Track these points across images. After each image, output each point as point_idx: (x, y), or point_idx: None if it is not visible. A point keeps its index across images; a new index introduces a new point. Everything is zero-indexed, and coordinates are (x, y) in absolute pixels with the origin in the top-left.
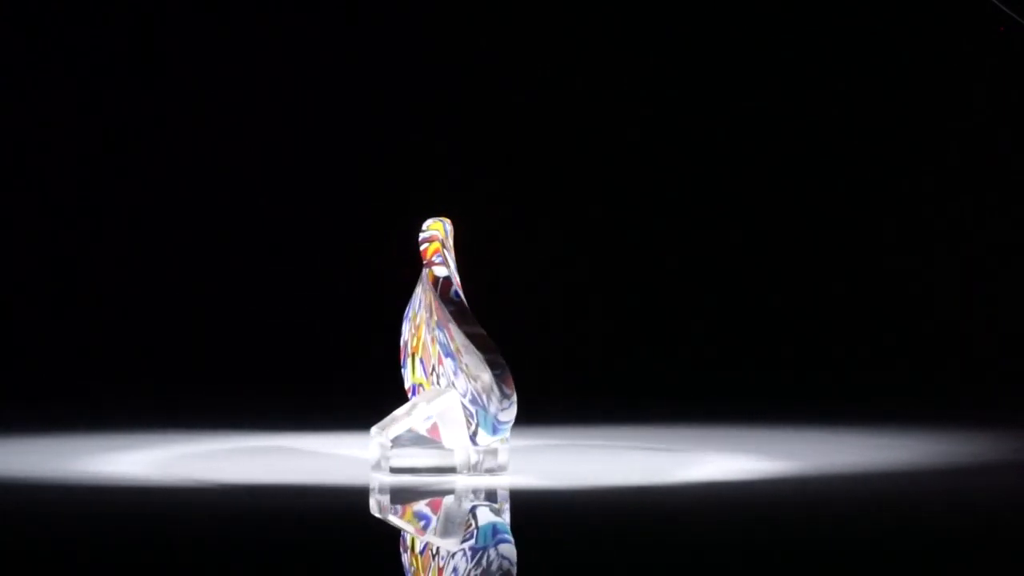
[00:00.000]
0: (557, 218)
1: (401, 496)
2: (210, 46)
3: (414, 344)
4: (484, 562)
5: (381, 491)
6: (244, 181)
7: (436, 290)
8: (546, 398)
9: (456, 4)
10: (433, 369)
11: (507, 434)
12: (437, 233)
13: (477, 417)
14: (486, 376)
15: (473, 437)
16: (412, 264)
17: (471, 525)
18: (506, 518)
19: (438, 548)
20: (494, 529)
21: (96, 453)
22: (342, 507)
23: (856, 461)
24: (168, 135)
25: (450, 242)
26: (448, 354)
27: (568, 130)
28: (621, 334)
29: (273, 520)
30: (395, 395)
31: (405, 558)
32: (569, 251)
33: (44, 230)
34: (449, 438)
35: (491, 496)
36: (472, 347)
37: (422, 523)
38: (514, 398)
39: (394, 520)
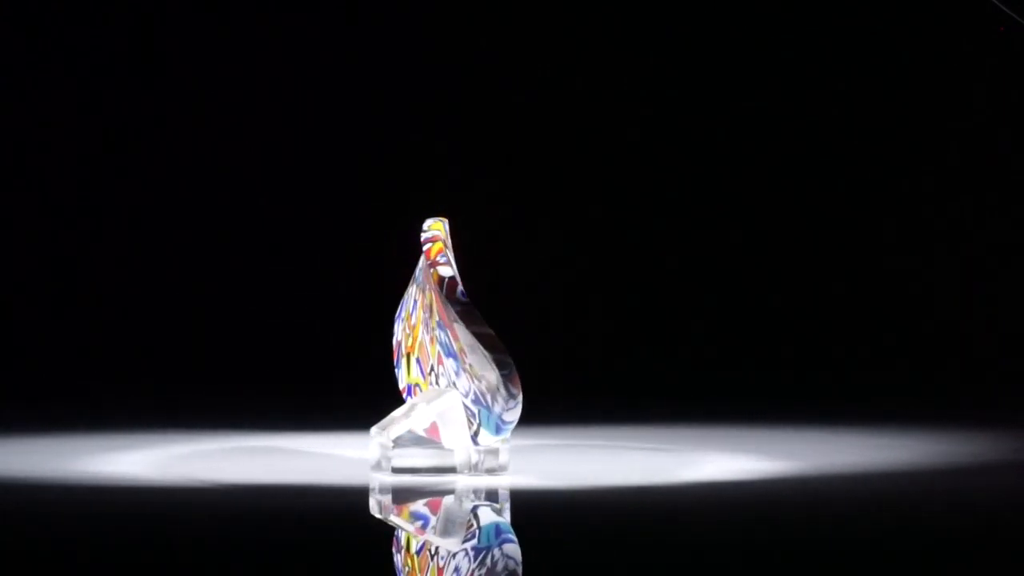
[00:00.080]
0: (557, 218)
1: (402, 496)
2: (210, 46)
3: (409, 344)
4: (489, 562)
5: (381, 491)
6: (244, 181)
7: (442, 290)
8: (546, 398)
9: (456, 4)
10: (432, 369)
11: (508, 434)
12: (439, 233)
13: (479, 417)
14: (492, 376)
15: (475, 437)
16: (412, 264)
17: (472, 525)
18: (506, 518)
19: (437, 548)
20: (497, 529)
21: (96, 453)
22: (342, 507)
23: (856, 461)
24: (168, 135)
25: (449, 242)
26: (450, 354)
27: (568, 130)
28: (621, 334)
29: (273, 520)
30: (395, 395)
31: (406, 558)
32: (569, 251)
33: (44, 230)
34: (449, 438)
35: (492, 496)
36: (479, 347)
37: (423, 523)
38: (520, 398)
39: (395, 520)
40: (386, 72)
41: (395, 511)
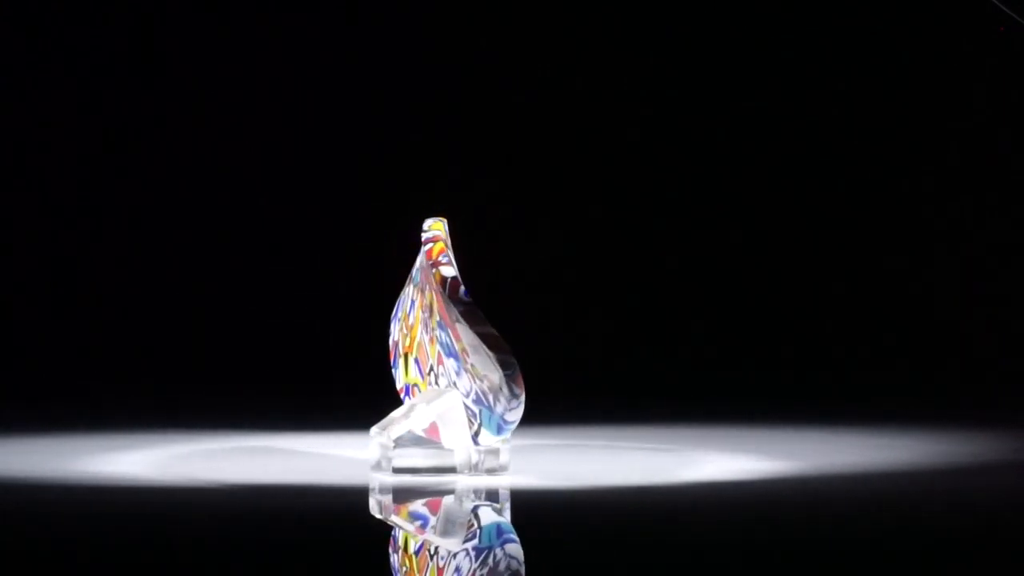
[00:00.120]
0: (557, 218)
1: (402, 496)
2: (210, 46)
3: (407, 344)
4: (491, 562)
5: (382, 491)
6: (244, 181)
7: (445, 290)
8: (546, 398)
9: (456, 4)
10: (431, 369)
11: (509, 434)
12: (440, 233)
13: (480, 417)
14: (495, 376)
15: (475, 437)
16: (412, 264)
17: (472, 525)
18: (506, 518)
19: (436, 548)
20: (499, 529)
21: (96, 453)
22: (342, 507)
23: (856, 461)
24: (168, 135)
25: (448, 241)
26: (451, 354)
27: (568, 130)
28: (621, 334)
29: (273, 520)
30: (394, 395)
31: (403, 559)
32: (569, 251)
33: (44, 230)
34: (449, 438)
35: (492, 496)
36: (482, 347)
37: (423, 523)
38: (523, 398)
39: (396, 520)
40: (386, 72)
41: (395, 511)
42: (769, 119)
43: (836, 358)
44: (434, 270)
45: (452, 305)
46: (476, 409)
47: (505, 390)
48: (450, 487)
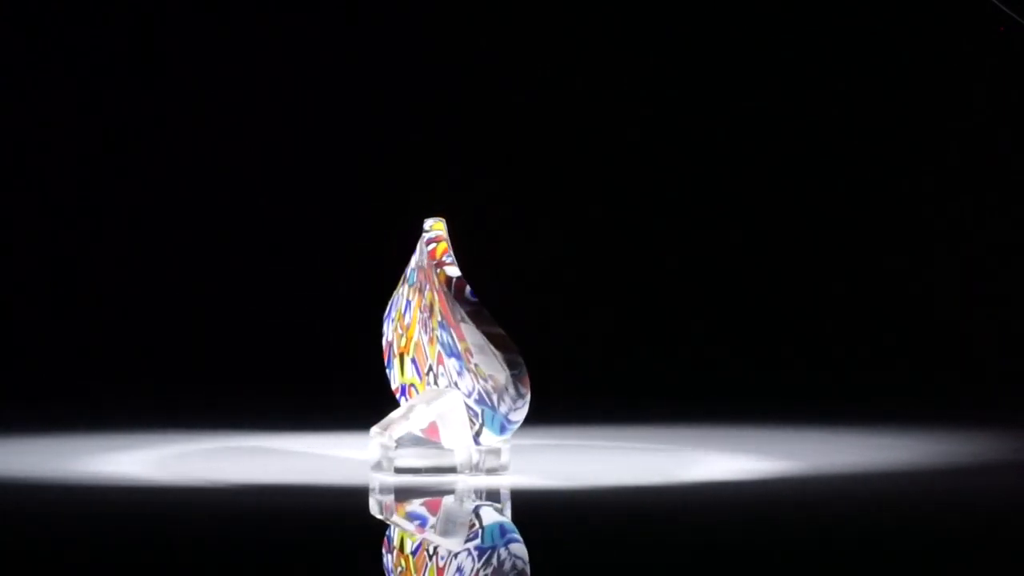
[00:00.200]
0: (557, 218)
1: (403, 496)
2: (210, 46)
3: (403, 344)
4: (496, 562)
5: (382, 491)
6: (244, 181)
7: (450, 290)
8: (546, 398)
9: (456, 4)
10: (430, 369)
11: (510, 434)
12: (442, 233)
13: (483, 417)
14: (501, 376)
15: (476, 437)
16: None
17: (474, 525)
18: (507, 518)
19: (435, 548)
20: (502, 529)
21: (96, 453)
22: (342, 507)
23: (856, 461)
24: (168, 135)
25: (448, 241)
26: (452, 354)
27: (568, 130)
28: (621, 334)
29: (273, 520)
30: (393, 396)
31: (399, 559)
32: (569, 251)
33: (44, 230)
34: (449, 438)
35: (492, 496)
36: (488, 347)
37: (423, 523)
38: (528, 398)
39: (396, 520)
40: (386, 72)
41: (396, 511)
42: (769, 119)
43: (836, 358)
44: (439, 270)
45: (457, 305)
46: (478, 409)
47: (511, 390)
48: (450, 487)
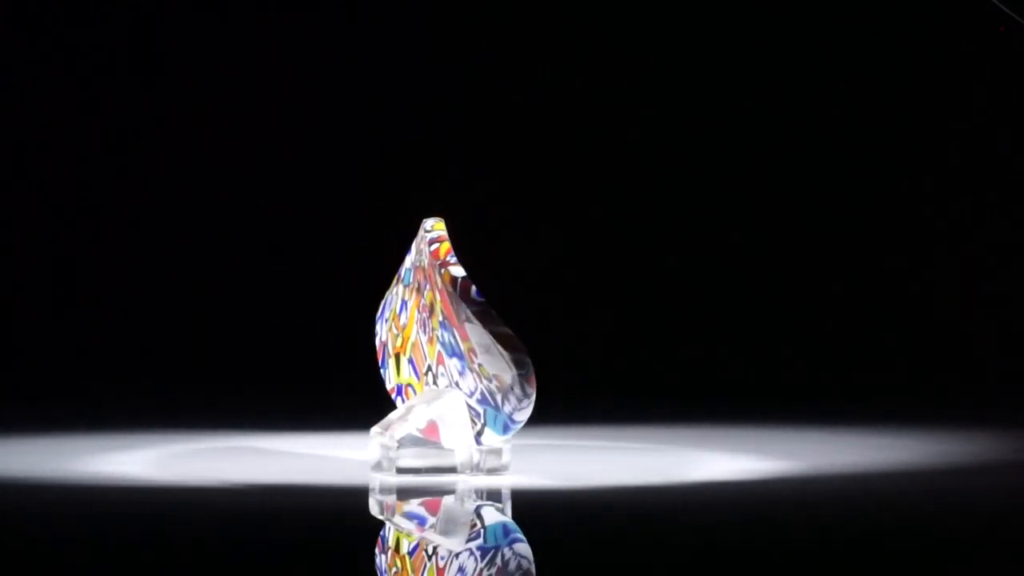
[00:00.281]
0: (557, 218)
1: (404, 496)
2: (210, 46)
3: (398, 344)
4: (500, 561)
5: (382, 491)
6: (244, 181)
7: (455, 290)
8: (546, 398)
9: (456, 4)
10: (429, 369)
11: (512, 434)
12: (444, 233)
13: (485, 417)
14: (507, 376)
15: (478, 437)
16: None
17: (475, 524)
18: (508, 517)
19: (435, 548)
20: (505, 528)
21: (96, 453)
22: (342, 507)
23: (856, 461)
24: (168, 135)
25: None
26: (454, 354)
27: (568, 130)
28: (621, 334)
29: (273, 520)
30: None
31: (394, 558)
32: (569, 251)
33: (44, 230)
34: (449, 438)
35: (493, 496)
36: (494, 347)
37: (423, 523)
38: (533, 397)
39: (397, 520)
40: (386, 72)
41: (396, 511)
42: (769, 119)
43: (836, 358)
44: (443, 270)
45: (463, 305)
46: (480, 409)
47: (517, 389)
48: (451, 487)
